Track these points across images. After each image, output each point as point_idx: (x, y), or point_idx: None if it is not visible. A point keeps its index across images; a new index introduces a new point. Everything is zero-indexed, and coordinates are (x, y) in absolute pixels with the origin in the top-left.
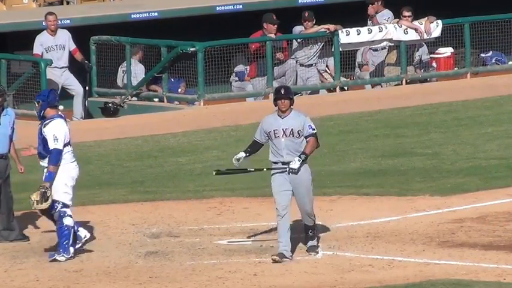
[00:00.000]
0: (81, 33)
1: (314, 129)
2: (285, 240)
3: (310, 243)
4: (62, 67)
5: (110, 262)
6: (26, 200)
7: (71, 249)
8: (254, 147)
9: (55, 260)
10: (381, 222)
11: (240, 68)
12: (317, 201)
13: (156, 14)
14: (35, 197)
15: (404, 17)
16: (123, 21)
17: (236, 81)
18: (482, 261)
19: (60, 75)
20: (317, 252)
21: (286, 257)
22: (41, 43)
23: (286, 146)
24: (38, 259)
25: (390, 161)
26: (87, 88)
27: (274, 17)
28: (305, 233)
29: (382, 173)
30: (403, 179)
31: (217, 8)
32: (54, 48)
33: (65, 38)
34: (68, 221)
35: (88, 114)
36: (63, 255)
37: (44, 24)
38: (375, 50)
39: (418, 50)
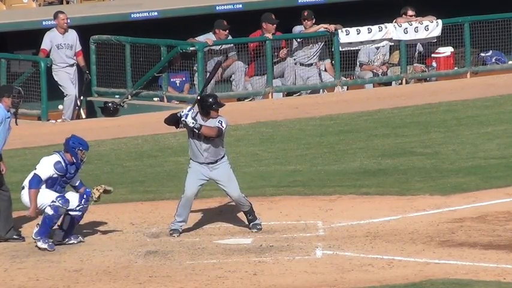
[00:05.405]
0: (81, 32)
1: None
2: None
3: (252, 223)
4: (71, 65)
5: (110, 261)
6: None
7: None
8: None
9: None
10: (381, 221)
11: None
12: (317, 200)
13: (156, 13)
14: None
15: (410, 16)
16: (123, 20)
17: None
18: (482, 261)
19: (72, 73)
20: (260, 228)
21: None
22: (50, 39)
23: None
24: (38, 258)
25: (390, 161)
26: (81, 98)
27: (273, 17)
28: (246, 217)
29: (382, 173)
30: (403, 179)
31: (217, 8)
32: (63, 47)
33: (73, 37)
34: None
35: (88, 114)
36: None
37: (51, 23)
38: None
39: (416, 46)
